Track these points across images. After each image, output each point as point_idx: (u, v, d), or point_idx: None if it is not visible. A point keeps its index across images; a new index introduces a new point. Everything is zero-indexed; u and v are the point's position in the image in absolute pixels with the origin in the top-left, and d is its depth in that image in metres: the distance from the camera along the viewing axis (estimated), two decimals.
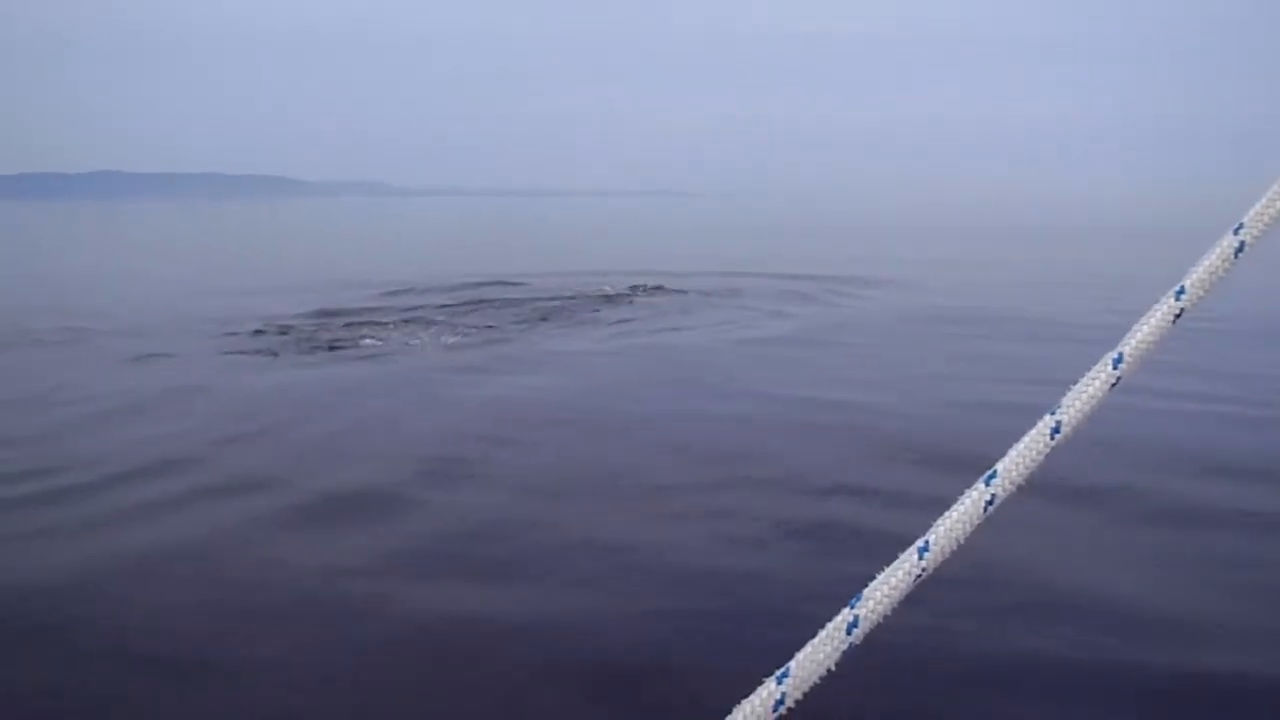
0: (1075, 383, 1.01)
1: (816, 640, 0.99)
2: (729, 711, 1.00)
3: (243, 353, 11.08)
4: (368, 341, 11.76)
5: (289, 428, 7.72)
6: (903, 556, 0.99)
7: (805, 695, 0.99)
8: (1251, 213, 0.98)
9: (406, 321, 13.21)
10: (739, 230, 42.82)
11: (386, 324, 13.01)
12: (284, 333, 12.44)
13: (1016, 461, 0.99)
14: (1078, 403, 0.99)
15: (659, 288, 16.48)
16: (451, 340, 11.90)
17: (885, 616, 0.98)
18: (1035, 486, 1.02)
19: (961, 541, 0.99)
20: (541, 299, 15.46)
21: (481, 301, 15.52)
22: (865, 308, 14.33)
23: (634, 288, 16.46)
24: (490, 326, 12.94)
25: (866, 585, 0.99)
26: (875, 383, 8.98)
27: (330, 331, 12.48)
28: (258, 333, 12.47)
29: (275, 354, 10.97)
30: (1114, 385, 0.99)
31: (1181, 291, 0.99)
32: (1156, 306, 0.99)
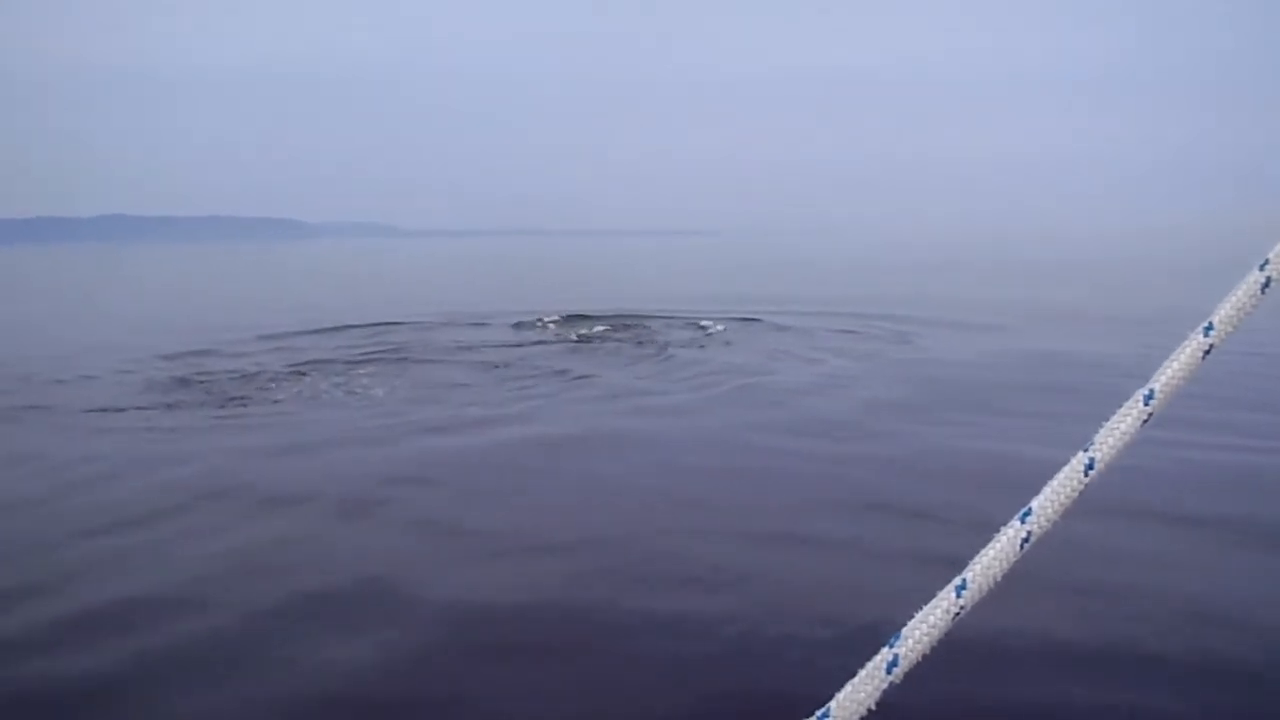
0: (1107, 419, 1.02)
1: (857, 679, 0.99)
2: None
3: (139, 408, 9.78)
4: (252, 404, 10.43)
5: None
6: (941, 595, 1.00)
7: None
8: (1277, 249, 0.99)
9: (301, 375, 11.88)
10: (756, 267, 41.46)
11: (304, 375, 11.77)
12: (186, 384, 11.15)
13: (1051, 499, 1.01)
14: (1110, 439, 1.01)
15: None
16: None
17: (924, 655, 0.99)
18: None
19: (998, 579, 0.99)
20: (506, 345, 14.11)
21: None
22: (953, 347, 13.05)
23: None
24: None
25: (905, 624, 1.00)
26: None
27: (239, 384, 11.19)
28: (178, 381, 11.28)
29: (171, 407, 9.69)
30: (1145, 421, 1.01)
31: (1210, 328, 1.02)
32: (1186, 343, 1.02)
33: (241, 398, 10.20)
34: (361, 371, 11.85)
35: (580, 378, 11.04)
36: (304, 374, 11.73)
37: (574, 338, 14.77)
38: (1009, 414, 8.63)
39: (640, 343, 13.91)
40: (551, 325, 16.41)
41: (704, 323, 15.95)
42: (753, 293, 23.71)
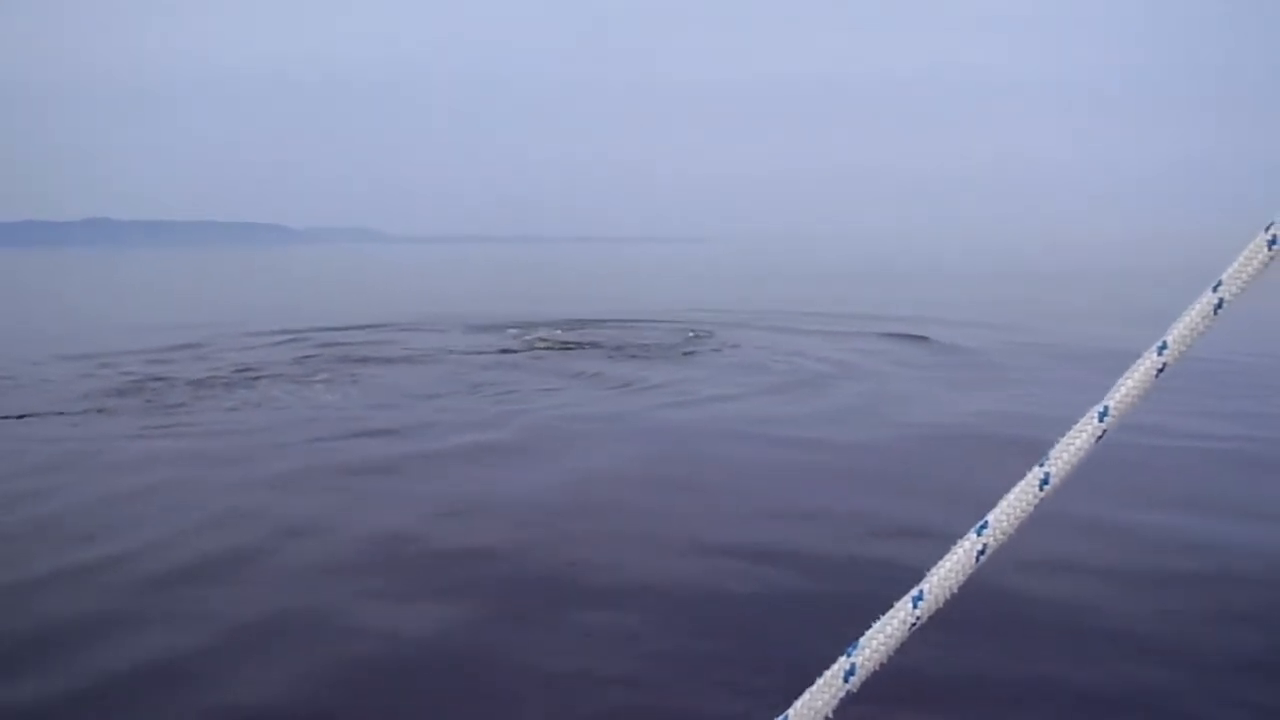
0: (1062, 436, 1.03)
1: (814, 688, 1.00)
2: None
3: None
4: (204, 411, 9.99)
5: None
6: (898, 605, 1.02)
7: None
8: (1230, 270, 1.02)
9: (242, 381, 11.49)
10: (745, 276, 41.01)
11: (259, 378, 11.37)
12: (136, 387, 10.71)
13: (1007, 512, 1.02)
14: (1065, 454, 1.03)
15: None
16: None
17: (881, 664, 1.00)
18: None
19: (955, 590, 1.01)
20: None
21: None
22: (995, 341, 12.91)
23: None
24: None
25: (862, 634, 1.02)
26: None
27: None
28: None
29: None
30: (1100, 438, 1.03)
31: (1164, 347, 1.03)
32: (1140, 362, 1.04)
33: (180, 405, 9.79)
34: (318, 378, 11.45)
35: (509, 391, 10.67)
36: (257, 379, 11.34)
37: (536, 345, 14.44)
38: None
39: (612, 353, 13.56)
40: (511, 332, 16.07)
41: (682, 329, 15.62)
42: (720, 300, 23.40)
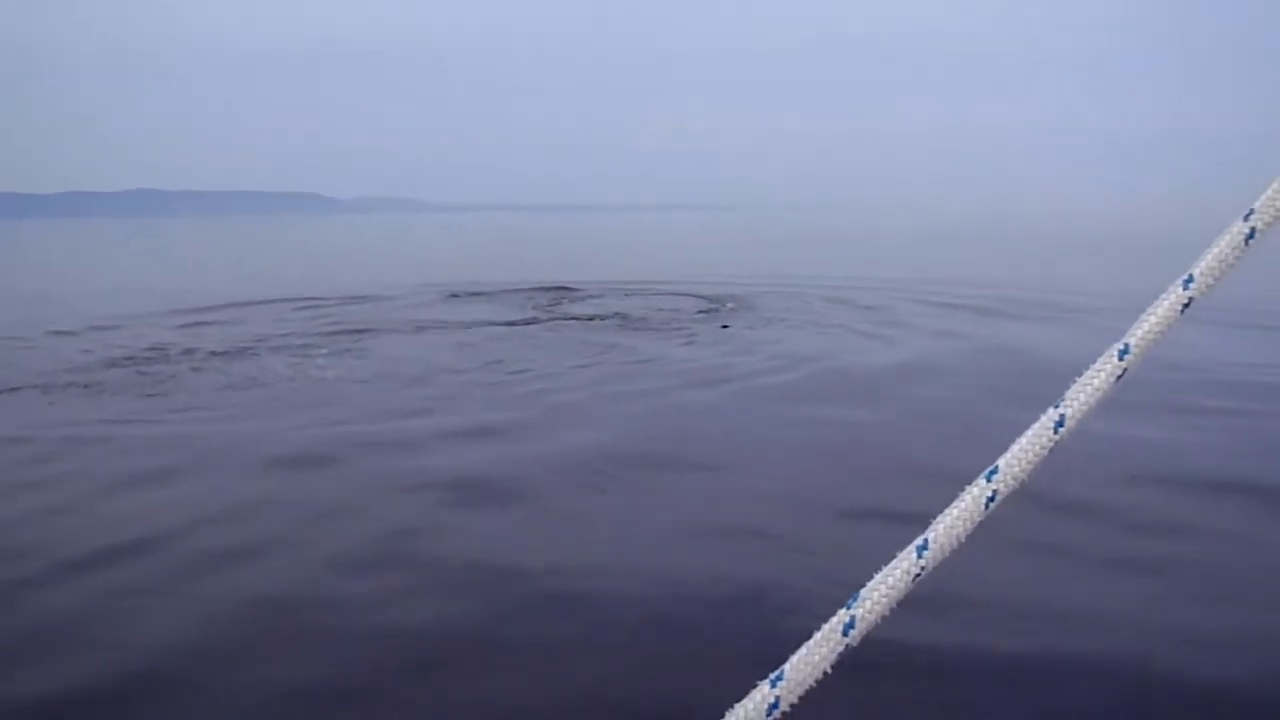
0: (1079, 375, 0.97)
1: (812, 642, 0.96)
2: (722, 716, 0.97)
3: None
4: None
5: None
6: (900, 556, 0.96)
7: (800, 699, 0.96)
8: (1263, 199, 0.97)
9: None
10: (789, 242, 40.12)
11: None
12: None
13: (1019, 457, 0.96)
14: (1082, 395, 0.96)
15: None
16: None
17: (883, 617, 0.96)
18: None
19: (962, 540, 0.95)
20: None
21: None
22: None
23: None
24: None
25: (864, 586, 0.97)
26: None
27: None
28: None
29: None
30: (1120, 377, 0.96)
31: (1190, 280, 0.96)
32: (1164, 296, 0.96)
33: (172, 377, 9.35)
34: (321, 351, 10.98)
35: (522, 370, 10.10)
36: (255, 353, 10.90)
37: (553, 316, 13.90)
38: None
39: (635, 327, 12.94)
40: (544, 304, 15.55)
41: (701, 303, 14.99)
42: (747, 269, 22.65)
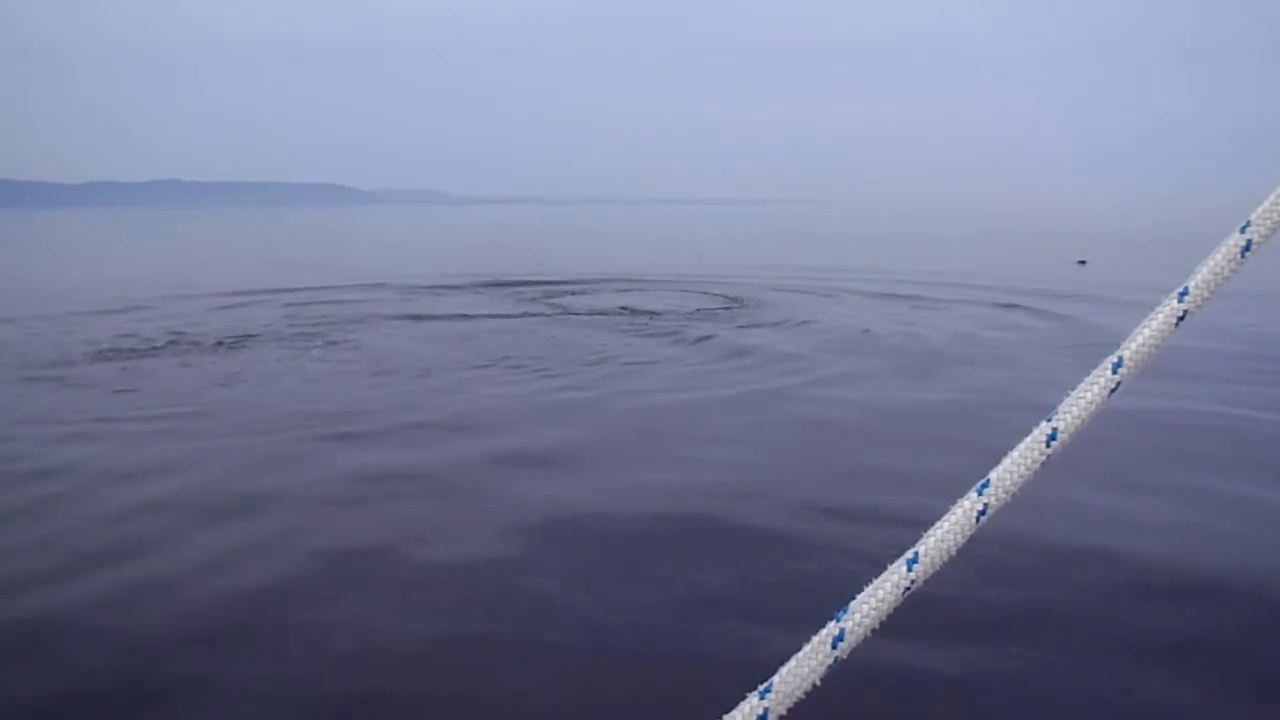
0: (1073, 388, 0.96)
1: (801, 654, 0.96)
2: None
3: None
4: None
5: None
6: (891, 569, 0.96)
7: (789, 711, 0.96)
8: (1259, 210, 0.95)
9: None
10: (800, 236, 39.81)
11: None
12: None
13: (1011, 470, 0.95)
14: (1075, 408, 0.95)
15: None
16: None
17: (872, 630, 0.95)
18: None
19: (953, 553, 0.95)
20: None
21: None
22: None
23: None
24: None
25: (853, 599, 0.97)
26: None
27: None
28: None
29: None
30: (1113, 390, 0.95)
31: (1185, 293, 0.95)
32: (1159, 309, 0.96)
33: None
34: (316, 345, 11.09)
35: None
36: (245, 345, 11.05)
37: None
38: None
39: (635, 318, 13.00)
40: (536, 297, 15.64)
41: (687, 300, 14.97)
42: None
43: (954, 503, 0.95)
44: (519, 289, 16.96)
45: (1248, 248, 0.94)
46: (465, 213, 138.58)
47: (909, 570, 0.94)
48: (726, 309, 13.80)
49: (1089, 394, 0.95)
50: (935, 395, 8.14)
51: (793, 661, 0.96)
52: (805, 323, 12.34)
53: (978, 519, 0.94)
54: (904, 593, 0.94)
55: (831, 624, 0.95)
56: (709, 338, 11.14)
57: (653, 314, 13.31)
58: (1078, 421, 0.95)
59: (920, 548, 0.94)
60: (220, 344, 10.91)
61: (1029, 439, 0.95)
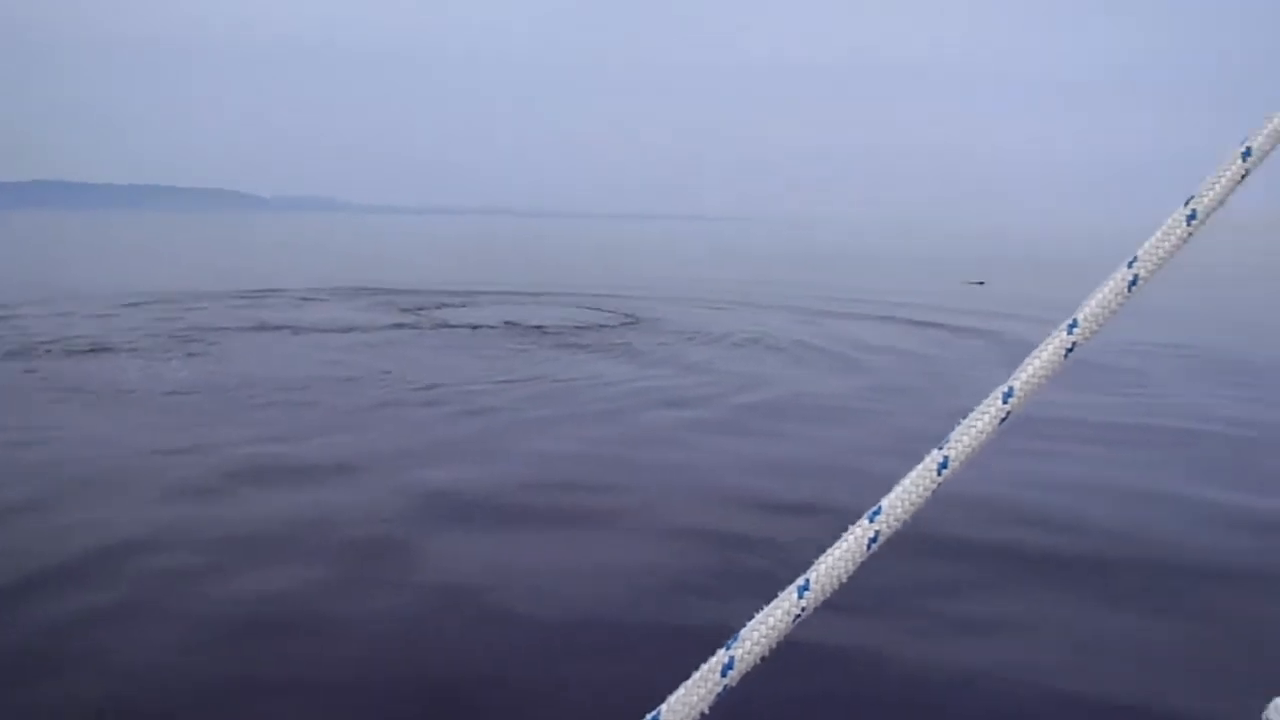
0: (963, 417, 0.97)
1: (690, 683, 0.93)
2: None
3: None
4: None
5: None
6: (781, 596, 0.95)
7: None
8: (1145, 246, 0.98)
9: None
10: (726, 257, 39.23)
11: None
12: None
13: (901, 498, 0.95)
14: (966, 438, 0.96)
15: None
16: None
17: (763, 658, 0.94)
18: None
19: (843, 580, 0.95)
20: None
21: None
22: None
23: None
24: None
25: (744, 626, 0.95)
26: None
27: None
28: None
29: None
30: (1003, 420, 0.96)
31: (1074, 325, 0.96)
32: (1048, 341, 0.97)
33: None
34: (174, 354, 10.12)
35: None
36: (108, 349, 10.29)
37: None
38: None
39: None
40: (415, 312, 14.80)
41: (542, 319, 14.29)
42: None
43: (845, 529, 0.95)
44: (395, 297, 16.10)
45: (1134, 282, 0.96)
46: (363, 221, 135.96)
47: (799, 598, 0.94)
48: (623, 325, 13.11)
49: (980, 423, 0.95)
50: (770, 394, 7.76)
51: (681, 690, 0.93)
52: (693, 336, 11.78)
53: (869, 546, 0.94)
54: (794, 620, 0.94)
55: (721, 651, 0.93)
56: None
57: (541, 329, 12.55)
58: (969, 450, 0.95)
59: (811, 574, 0.94)
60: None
61: (920, 467, 0.95)
